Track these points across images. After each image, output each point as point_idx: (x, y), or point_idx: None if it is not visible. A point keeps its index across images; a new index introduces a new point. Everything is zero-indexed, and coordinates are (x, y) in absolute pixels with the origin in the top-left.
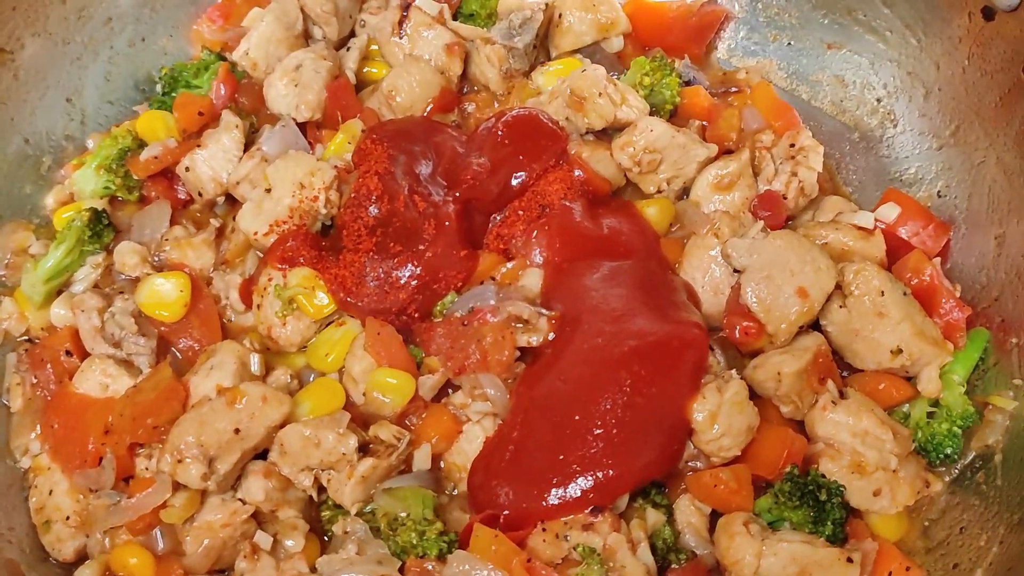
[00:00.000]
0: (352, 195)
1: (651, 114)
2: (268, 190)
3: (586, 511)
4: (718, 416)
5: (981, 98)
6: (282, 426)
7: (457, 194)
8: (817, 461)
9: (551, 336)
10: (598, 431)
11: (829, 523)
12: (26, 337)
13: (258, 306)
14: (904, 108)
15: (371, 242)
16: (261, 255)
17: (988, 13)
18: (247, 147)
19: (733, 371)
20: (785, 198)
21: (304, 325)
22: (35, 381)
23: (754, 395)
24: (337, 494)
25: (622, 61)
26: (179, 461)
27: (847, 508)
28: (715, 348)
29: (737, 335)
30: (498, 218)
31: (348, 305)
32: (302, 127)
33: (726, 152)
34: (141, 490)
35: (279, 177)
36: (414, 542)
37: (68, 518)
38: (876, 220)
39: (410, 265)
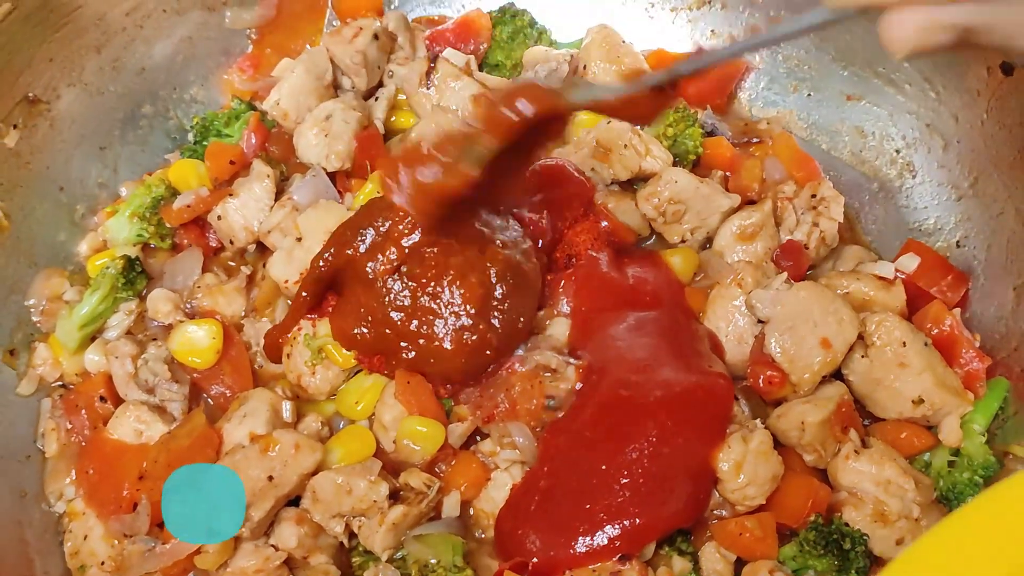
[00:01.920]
0: None
1: (674, 165)
2: (299, 239)
3: (614, 559)
4: (743, 465)
5: (999, 150)
6: (314, 473)
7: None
8: (840, 509)
9: (578, 386)
10: (625, 480)
11: (853, 571)
12: (60, 383)
13: (287, 355)
14: (923, 159)
15: None
16: (290, 303)
17: (1007, 68)
18: (278, 196)
19: (758, 420)
20: (807, 248)
21: (333, 374)
22: (70, 427)
23: (778, 444)
24: (368, 541)
25: None
26: None
27: (871, 557)
28: (739, 397)
29: (761, 384)
30: None
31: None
32: (332, 176)
33: (749, 202)
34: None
35: (310, 226)
36: None
37: (103, 563)
38: (896, 270)
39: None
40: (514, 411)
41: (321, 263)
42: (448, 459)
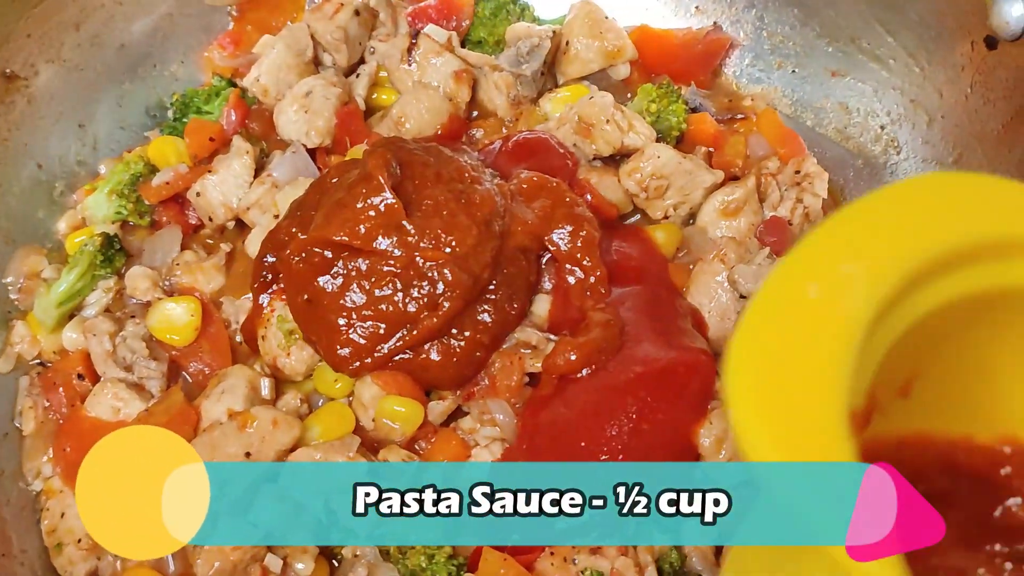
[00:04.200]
0: None
1: (658, 140)
2: (277, 216)
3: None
4: (725, 441)
5: (984, 125)
6: (292, 450)
7: None
8: None
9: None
10: (604, 457)
11: None
12: (38, 360)
13: (262, 337)
14: (908, 135)
15: None
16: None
17: (991, 42)
18: (257, 173)
19: None
20: (791, 224)
21: (308, 354)
22: (47, 404)
23: None
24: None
25: (628, 88)
26: None
27: None
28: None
29: None
30: None
31: None
32: (312, 153)
33: (732, 178)
34: None
35: (289, 203)
36: (423, 566)
37: (80, 541)
38: None
39: None
40: (494, 388)
41: (265, 272)
42: (428, 436)
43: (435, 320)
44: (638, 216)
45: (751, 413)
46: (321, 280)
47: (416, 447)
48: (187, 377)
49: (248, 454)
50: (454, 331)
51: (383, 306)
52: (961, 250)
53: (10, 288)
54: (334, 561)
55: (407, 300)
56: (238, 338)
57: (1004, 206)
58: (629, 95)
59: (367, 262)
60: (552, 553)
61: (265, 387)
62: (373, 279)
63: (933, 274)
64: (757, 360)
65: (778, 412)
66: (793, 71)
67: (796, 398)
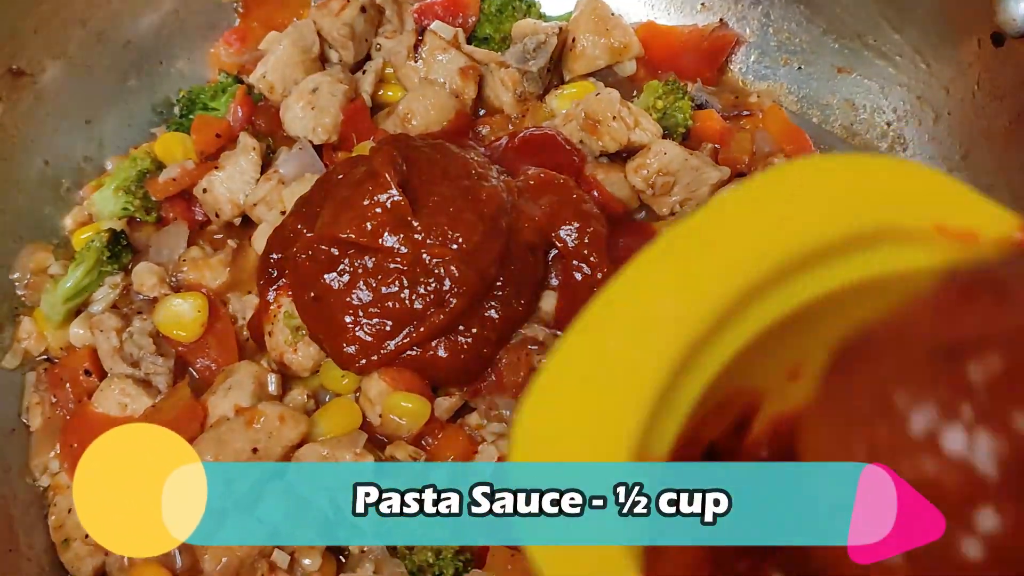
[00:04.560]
0: None
1: (664, 137)
2: (284, 212)
3: None
4: None
5: (991, 122)
6: (299, 445)
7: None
8: None
9: None
10: None
11: None
12: (45, 356)
13: (269, 333)
14: (914, 132)
15: None
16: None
17: (997, 39)
18: (264, 169)
19: None
20: None
21: (315, 350)
22: (54, 400)
23: None
24: None
25: (635, 85)
26: None
27: None
28: None
29: None
30: None
31: None
32: (318, 149)
33: (738, 175)
34: None
35: (295, 199)
36: (430, 561)
37: (87, 537)
38: None
39: None
40: (501, 384)
41: (271, 269)
42: (435, 432)
43: (442, 317)
44: (644, 213)
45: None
46: (327, 277)
47: (423, 443)
48: (194, 373)
49: (255, 450)
50: (461, 328)
51: (390, 303)
52: (796, 259)
53: (17, 284)
54: (341, 557)
55: (413, 297)
56: (245, 334)
57: (853, 193)
58: (635, 92)
59: (373, 259)
60: None
61: (272, 383)
62: (379, 276)
63: (770, 285)
64: (544, 434)
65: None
66: (799, 68)
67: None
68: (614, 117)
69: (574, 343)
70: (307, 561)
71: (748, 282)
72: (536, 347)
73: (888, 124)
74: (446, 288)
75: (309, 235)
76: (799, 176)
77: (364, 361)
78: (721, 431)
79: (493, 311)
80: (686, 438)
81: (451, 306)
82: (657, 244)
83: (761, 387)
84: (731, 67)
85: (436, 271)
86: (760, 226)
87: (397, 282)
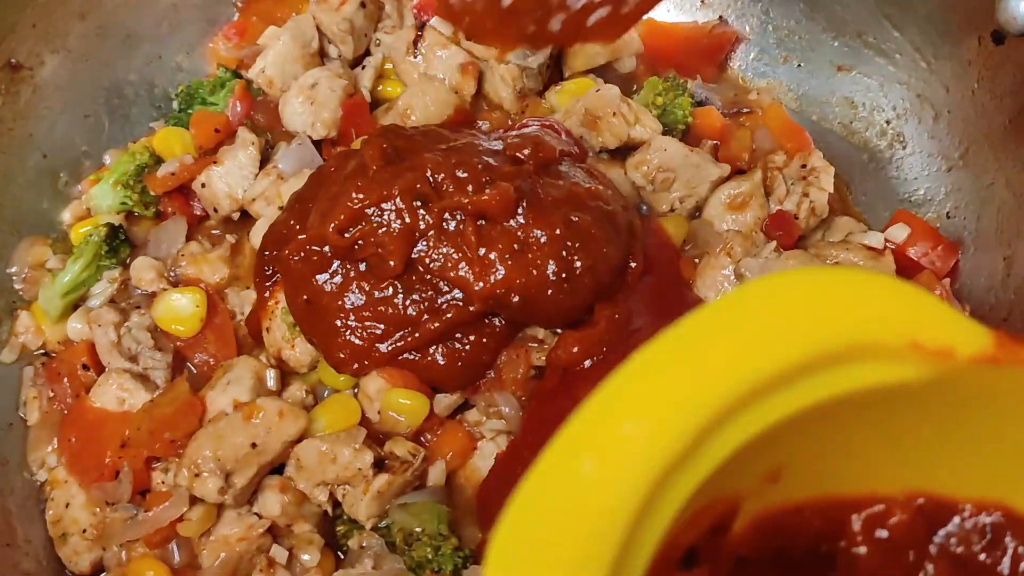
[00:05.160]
0: None
1: (664, 134)
2: (282, 207)
3: None
4: None
5: (991, 121)
6: (298, 441)
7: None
8: None
9: None
10: None
11: None
12: (43, 351)
13: (267, 329)
14: (913, 130)
15: None
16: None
17: (998, 37)
18: (263, 164)
19: None
20: (796, 218)
21: (313, 346)
22: (52, 395)
23: None
24: (352, 509)
25: (634, 81)
26: (196, 475)
27: None
28: None
29: None
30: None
31: None
32: (317, 145)
33: (738, 172)
34: (158, 504)
35: None
36: (429, 557)
37: (85, 531)
38: (886, 240)
39: None
40: (500, 381)
41: (267, 266)
42: (434, 428)
43: (437, 325)
44: (644, 208)
45: None
46: (319, 279)
47: (422, 439)
48: (192, 368)
49: (254, 445)
50: (459, 335)
51: (382, 308)
52: (774, 376)
53: (15, 278)
54: (339, 553)
55: (407, 303)
56: (243, 329)
57: (828, 310)
58: (635, 88)
59: (366, 262)
60: None
61: (271, 378)
62: (372, 280)
63: (749, 401)
64: (519, 556)
65: None
66: (799, 65)
67: None
68: (614, 113)
69: (550, 463)
70: (306, 556)
71: (726, 400)
72: (536, 344)
73: (887, 122)
74: (443, 298)
75: (301, 237)
76: (773, 292)
77: (356, 365)
78: (700, 535)
79: (497, 319)
80: (666, 545)
81: (447, 316)
82: (634, 360)
83: (741, 492)
84: (731, 64)
85: (433, 281)
86: (736, 343)
87: (391, 286)
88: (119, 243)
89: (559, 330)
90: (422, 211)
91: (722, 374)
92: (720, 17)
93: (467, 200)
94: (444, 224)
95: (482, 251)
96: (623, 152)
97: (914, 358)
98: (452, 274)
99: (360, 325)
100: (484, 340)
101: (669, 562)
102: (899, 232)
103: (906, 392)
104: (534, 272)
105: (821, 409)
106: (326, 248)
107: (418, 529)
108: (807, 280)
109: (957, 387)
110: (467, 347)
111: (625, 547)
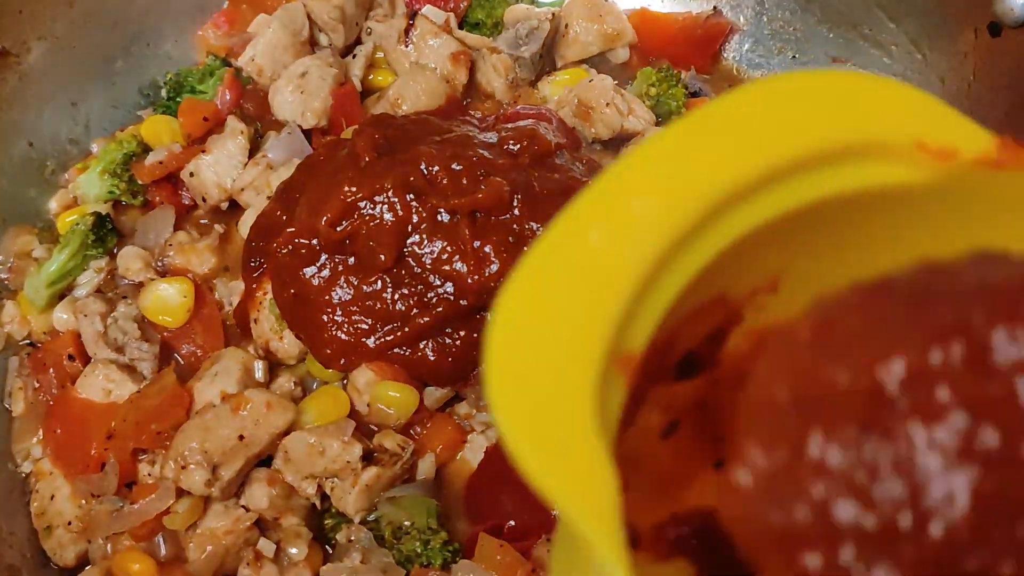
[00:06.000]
0: None
1: (657, 125)
2: (271, 197)
3: None
4: None
5: (987, 113)
6: (286, 433)
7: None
8: None
9: None
10: None
11: None
12: (28, 341)
13: (255, 320)
14: None
15: None
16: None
17: (995, 29)
18: (252, 153)
19: None
20: None
21: None
22: (37, 385)
23: None
24: (341, 502)
25: (628, 72)
26: (183, 467)
27: None
28: None
29: None
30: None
31: None
32: (307, 134)
33: None
34: (144, 496)
35: None
36: (418, 551)
37: (70, 523)
38: None
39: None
40: None
41: (255, 257)
42: (424, 421)
43: (427, 319)
44: None
45: (512, 413)
46: (307, 272)
47: (411, 432)
48: (179, 359)
49: (241, 437)
50: (449, 330)
51: (370, 302)
52: (776, 167)
53: (0, 267)
54: (328, 546)
55: (396, 298)
56: (231, 320)
57: (834, 108)
58: (628, 79)
59: (355, 256)
60: (549, 539)
61: (259, 370)
62: (361, 274)
63: (754, 190)
64: (520, 335)
65: (538, 409)
66: (794, 57)
67: (554, 390)
68: (607, 104)
69: (559, 230)
70: (293, 550)
71: (728, 187)
72: None
73: None
74: (433, 292)
75: (290, 230)
76: (781, 90)
77: (344, 361)
78: (697, 341)
79: (488, 313)
80: (662, 342)
81: (437, 311)
82: (641, 148)
83: (739, 296)
84: (725, 55)
85: (423, 275)
86: (742, 134)
87: (380, 280)
88: (106, 232)
89: None
90: (415, 204)
91: (729, 162)
92: (714, 7)
93: (460, 200)
94: (438, 217)
95: (477, 244)
96: (616, 143)
97: (918, 159)
98: (446, 267)
99: (347, 320)
100: (475, 335)
101: (667, 363)
102: None
103: (906, 200)
104: None
105: (821, 212)
106: (314, 241)
107: (407, 523)
108: (816, 80)
109: (957, 195)
110: (457, 342)
111: (629, 316)
